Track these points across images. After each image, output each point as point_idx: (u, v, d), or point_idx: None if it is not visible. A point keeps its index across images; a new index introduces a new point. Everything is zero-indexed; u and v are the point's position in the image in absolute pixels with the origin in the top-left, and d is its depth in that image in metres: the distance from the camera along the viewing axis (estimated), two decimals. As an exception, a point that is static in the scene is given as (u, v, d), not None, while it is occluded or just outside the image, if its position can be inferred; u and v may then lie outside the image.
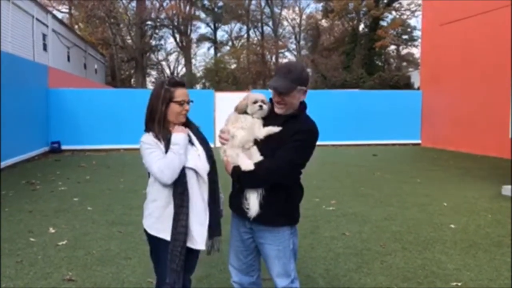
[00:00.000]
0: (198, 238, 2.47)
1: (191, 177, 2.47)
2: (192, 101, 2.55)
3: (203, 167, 2.52)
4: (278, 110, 2.50)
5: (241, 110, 2.58)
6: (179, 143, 2.42)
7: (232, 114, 2.63)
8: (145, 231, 2.56)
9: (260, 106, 2.52)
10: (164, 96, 2.46)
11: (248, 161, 2.45)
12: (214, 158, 2.62)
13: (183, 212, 2.41)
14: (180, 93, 2.48)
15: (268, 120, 2.54)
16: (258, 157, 2.47)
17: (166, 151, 2.42)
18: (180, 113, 2.49)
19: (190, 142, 2.56)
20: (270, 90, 2.52)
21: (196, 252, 2.56)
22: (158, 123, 2.46)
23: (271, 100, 2.58)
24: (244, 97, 2.61)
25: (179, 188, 2.42)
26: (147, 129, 2.50)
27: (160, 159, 2.40)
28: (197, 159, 2.51)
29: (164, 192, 2.46)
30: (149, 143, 2.44)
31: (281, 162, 2.40)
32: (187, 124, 2.62)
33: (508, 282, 3.77)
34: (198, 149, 2.56)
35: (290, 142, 2.40)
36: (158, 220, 2.49)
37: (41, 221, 5.69)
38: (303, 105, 2.56)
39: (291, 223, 2.60)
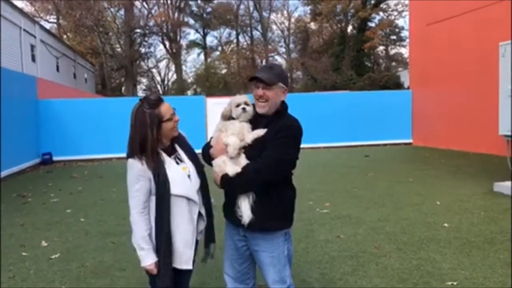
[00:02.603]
0: (186, 259, 2.49)
1: (180, 203, 2.44)
2: (174, 109, 2.52)
3: (193, 187, 2.50)
4: (260, 109, 2.51)
5: (226, 116, 2.58)
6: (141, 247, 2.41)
7: (219, 123, 2.62)
8: None
9: (243, 108, 2.51)
10: (151, 121, 2.34)
11: (235, 166, 2.45)
12: (204, 170, 2.61)
13: (166, 239, 2.40)
14: (165, 109, 2.40)
15: (252, 123, 2.55)
16: (245, 162, 2.48)
17: (155, 179, 2.37)
18: (172, 128, 2.45)
19: (178, 158, 2.54)
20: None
21: (187, 274, 2.59)
22: (151, 150, 2.36)
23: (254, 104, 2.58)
24: (228, 102, 2.61)
25: (161, 216, 2.39)
26: (133, 156, 2.38)
27: (138, 211, 2.38)
28: (187, 181, 2.48)
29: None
30: (136, 172, 2.35)
31: (268, 161, 2.41)
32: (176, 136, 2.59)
33: (502, 280, 3.78)
34: (187, 165, 2.53)
35: (274, 141, 2.42)
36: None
37: (33, 234, 5.62)
38: (284, 105, 2.58)
39: (285, 226, 2.60)
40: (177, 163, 2.51)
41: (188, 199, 2.46)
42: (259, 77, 2.47)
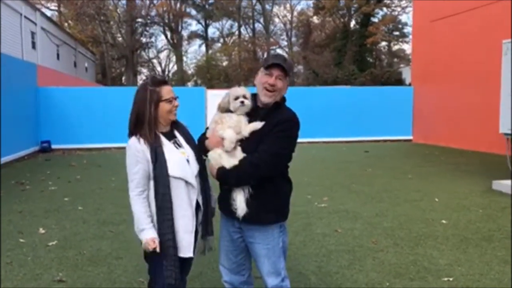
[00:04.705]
0: (186, 246, 2.46)
1: (178, 186, 2.42)
2: (177, 97, 2.51)
3: (192, 171, 2.48)
4: (267, 98, 2.46)
5: (224, 109, 2.53)
6: (141, 229, 2.39)
7: (216, 115, 2.58)
8: None
9: (242, 102, 2.47)
10: (151, 97, 2.39)
11: (232, 159, 2.43)
12: (203, 159, 2.60)
13: (168, 226, 2.38)
14: (166, 91, 2.43)
15: (249, 114, 2.51)
16: (241, 155, 2.45)
17: (152, 159, 2.37)
18: (170, 111, 2.45)
19: (177, 143, 2.53)
20: (261, 74, 2.49)
21: (187, 261, 2.55)
22: (148, 126, 2.39)
23: (253, 95, 2.55)
24: (226, 94, 2.56)
25: (162, 202, 2.38)
26: (133, 134, 2.43)
27: (136, 194, 2.39)
28: (185, 164, 2.47)
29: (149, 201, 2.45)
30: (134, 154, 2.38)
31: (264, 155, 2.38)
32: (175, 123, 2.58)
33: (499, 277, 3.79)
34: (187, 151, 2.52)
35: (271, 134, 2.40)
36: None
37: (31, 221, 5.63)
38: (283, 98, 2.56)
39: (280, 219, 2.59)
40: (176, 148, 2.50)
41: (186, 182, 2.44)
42: (281, 63, 2.42)
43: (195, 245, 2.55)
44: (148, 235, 2.36)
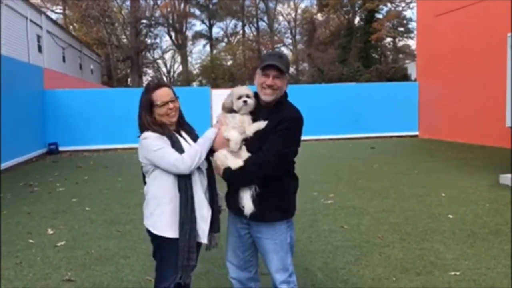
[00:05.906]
0: (201, 232, 2.49)
1: (194, 173, 2.47)
2: (177, 97, 2.54)
3: (202, 162, 2.52)
4: (267, 97, 2.47)
5: (227, 109, 2.55)
6: (206, 136, 2.49)
7: (220, 115, 2.60)
8: (148, 230, 2.54)
9: (245, 101, 2.48)
10: (145, 104, 2.48)
11: (237, 159, 2.45)
12: (209, 158, 2.63)
13: (193, 208, 2.43)
14: (158, 95, 2.46)
15: (252, 113, 2.53)
16: (246, 154, 2.47)
17: (170, 141, 2.45)
18: (165, 114, 2.48)
19: (186, 140, 2.57)
20: (258, 75, 2.50)
21: (198, 248, 2.56)
22: (149, 127, 2.46)
23: (256, 94, 2.55)
24: (229, 94, 2.57)
25: (186, 183, 2.42)
26: (145, 130, 2.49)
27: (176, 153, 2.41)
28: None
29: (165, 189, 2.45)
30: (154, 138, 2.43)
31: (269, 154, 2.40)
32: (182, 123, 2.61)
33: (505, 270, 3.78)
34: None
35: (275, 133, 2.41)
36: (160, 218, 2.47)
37: (40, 222, 5.69)
38: (284, 94, 2.57)
39: (286, 217, 2.60)
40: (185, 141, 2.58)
41: (200, 169, 2.50)
42: (276, 64, 2.42)
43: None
44: (212, 130, 2.52)
